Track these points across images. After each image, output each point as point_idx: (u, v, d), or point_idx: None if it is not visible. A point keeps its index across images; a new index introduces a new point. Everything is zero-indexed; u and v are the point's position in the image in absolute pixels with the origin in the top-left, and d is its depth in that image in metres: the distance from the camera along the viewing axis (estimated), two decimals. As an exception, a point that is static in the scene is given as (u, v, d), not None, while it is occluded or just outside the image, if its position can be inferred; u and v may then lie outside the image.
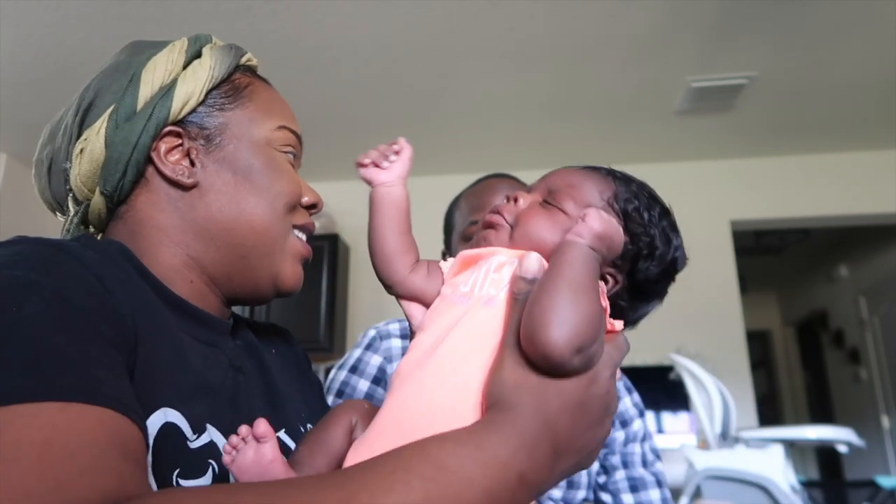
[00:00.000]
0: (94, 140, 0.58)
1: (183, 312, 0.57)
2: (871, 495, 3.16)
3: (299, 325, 3.30)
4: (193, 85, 0.59)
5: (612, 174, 0.62)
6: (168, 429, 0.46)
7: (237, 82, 0.63)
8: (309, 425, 0.67)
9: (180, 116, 0.59)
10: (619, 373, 1.16)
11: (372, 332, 1.08)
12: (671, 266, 0.63)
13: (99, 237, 0.63)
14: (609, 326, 0.51)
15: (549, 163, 3.78)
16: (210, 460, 0.49)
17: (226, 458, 0.47)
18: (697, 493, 2.45)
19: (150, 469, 0.44)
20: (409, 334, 1.07)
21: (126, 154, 0.58)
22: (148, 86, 0.59)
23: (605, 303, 0.51)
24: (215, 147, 0.60)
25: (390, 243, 0.57)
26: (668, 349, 3.35)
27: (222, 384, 0.56)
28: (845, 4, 2.41)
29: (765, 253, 5.53)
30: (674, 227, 0.64)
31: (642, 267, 0.59)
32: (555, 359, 0.43)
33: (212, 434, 0.51)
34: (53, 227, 0.63)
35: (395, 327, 1.09)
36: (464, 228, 1.08)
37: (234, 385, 0.58)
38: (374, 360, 1.03)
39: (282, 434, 0.61)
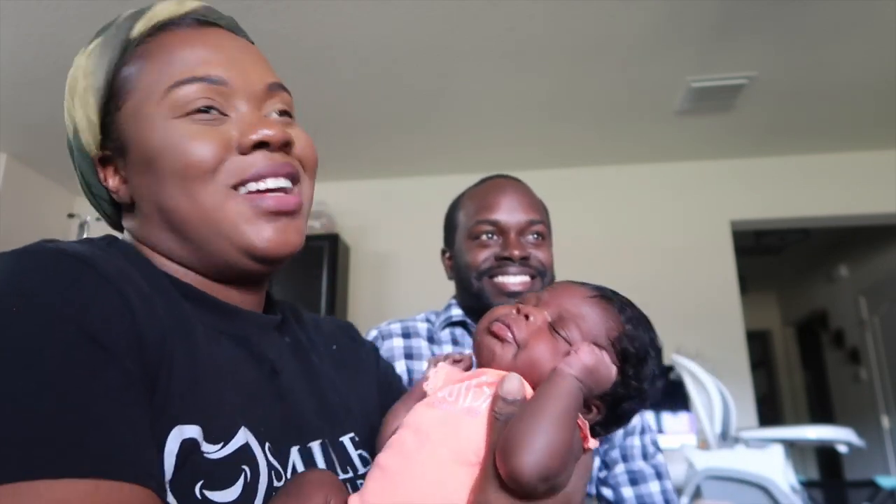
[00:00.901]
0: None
1: (214, 309, 0.55)
2: (871, 495, 3.16)
3: (299, 325, 3.30)
4: (83, 109, 0.57)
5: (624, 312, 0.61)
6: (188, 444, 0.44)
7: (127, 64, 0.56)
8: (351, 435, 0.63)
9: (97, 143, 0.57)
10: None
11: (374, 333, 1.09)
12: (647, 402, 0.64)
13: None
14: (584, 445, 0.53)
15: (549, 163, 3.79)
16: (243, 466, 0.47)
17: None
18: (697, 493, 2.45)
19: (168, 488, 0.43)
20: (410, 333, 1.07)
21: (88, 193, 0.61)
22: (69, 128, 0.59)
23: (585, 429, 0.53)
24: (126, 154, 0.56)
25: (392, 426, 0.62)
26: (668, 349, 3.35)
27: (254, 382, 0.54)
28: (845, 4, 2.41)
29: (765, 253, 5.53)
30: (662, 371, 0.65)
31: (626, 407, 0.61)
32: (522, 484, 0.45)
33: (245, 436, 0.49)
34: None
35: (396, 327, 1.09)
36: (471, 227, 1.09)
37: (269, 384, 0.55)
38: None
39: (314, 445, 0.58)
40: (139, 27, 0.57)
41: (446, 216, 1.20)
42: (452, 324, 1.12)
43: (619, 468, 1.06)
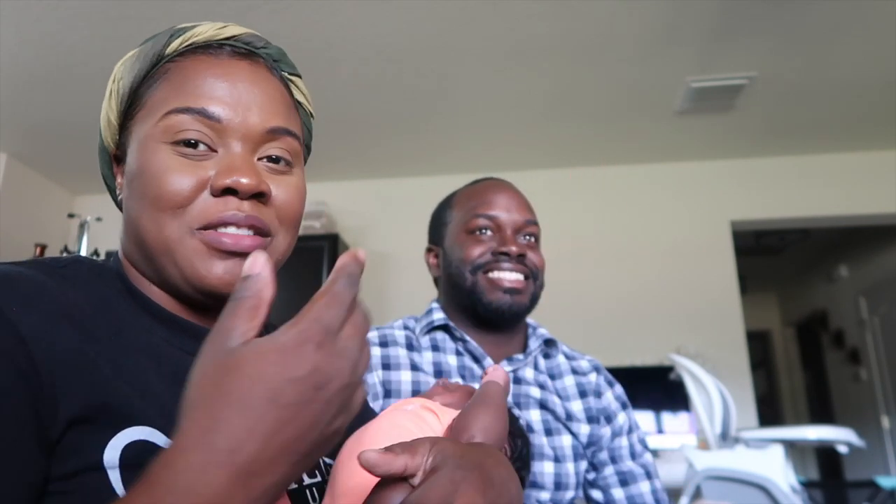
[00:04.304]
0: None
1: (175, 327, 0.57)
2: (871, 495, 3.16)
3: (299, 325, 3.30)
4: (105, 109, 0.59)
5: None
6: (137, 446, 0.46)
7: (152, 78, 0.58)
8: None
9: (113, 142, 0.60)
10: (599, 368, 1.17)
11: None
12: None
13: None
14: None
15: (549, 163, 3.78)
16: None
17: None
18: (697, 494, 2.45)
19: (123, 489, 0.44)
20: (387, 342, 1.05)
21: (106, 184, 0.64)
22: (102, 116, 0.61)
23: None
24: (125, 161, 0.59)
25: None
26: (668, 349, 3.35)
27: None
28: (845, 4, 2.41)
29: (765, 253, 5.53)
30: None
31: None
32: None
33: None
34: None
35: (373, 335, 1.07)
36: (467, 221, 1.08)
37: None
38: None
39: None
40: (175, 44, 0.58)
41: (434, 213, 1.19)
42: (434, 328, 1.09)
43: (609, 470, 1.05)
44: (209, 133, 0.55)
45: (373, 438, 0.61)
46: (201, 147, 0.54)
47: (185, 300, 0.58)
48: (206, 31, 0.58)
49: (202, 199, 0.54)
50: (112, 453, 0.45)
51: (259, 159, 0.57)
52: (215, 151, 0.55)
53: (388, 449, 0.43)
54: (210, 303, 0.56)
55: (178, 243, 0.54)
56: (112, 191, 0.64)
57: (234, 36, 0.59)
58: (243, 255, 0.54)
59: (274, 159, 0.58)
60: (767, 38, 2.63)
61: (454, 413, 0.67)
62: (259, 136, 0.56)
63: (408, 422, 0.63)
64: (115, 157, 0.61)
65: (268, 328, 0.71)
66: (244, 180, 0.53)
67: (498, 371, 0.71)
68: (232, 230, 0.54)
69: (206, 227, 0.54)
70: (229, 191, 0.54)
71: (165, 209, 0.53)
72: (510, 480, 0.49)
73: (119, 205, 0.63)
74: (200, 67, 0.56)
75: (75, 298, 0.50)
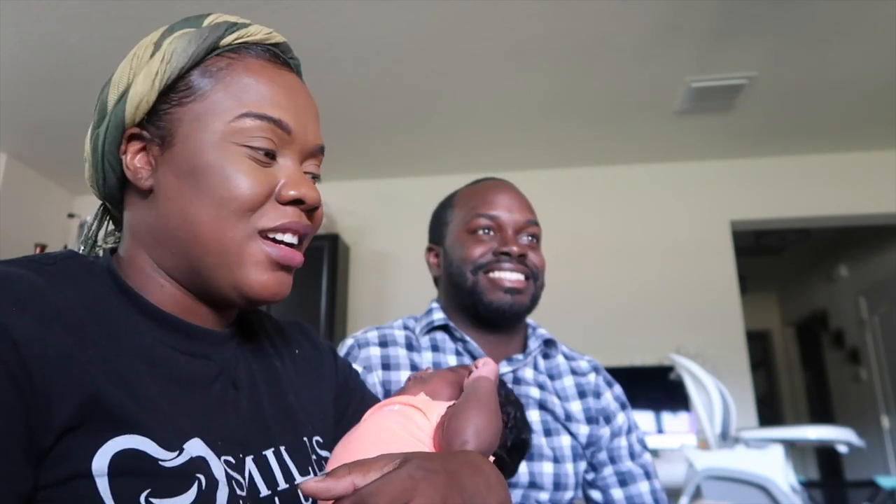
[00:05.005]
0: (85, 145, 0.61)
1: (168, 326, 0.56)
2: (871, 495, 3.16)
3: (299, 325, 3.30)
4: (144, 85, 0.56)
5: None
6: (126, 455, 0.45)
7: (207, 68, 0.57)
8: (317, 438, 0.65)
9: (138, 119, 0.57)
10: (598, 368, 1.17)
11: (350, 342, 1.07)
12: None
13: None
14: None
15: (549, 163, 3.78)
16: (197, 475, 0.49)
17: None
18: (697, 494, 2.45)
19: (111, 497, 0.44)
20: (387, 342, 1.06)
21: (98, 159, 0.59)
22: (115, 89, 0.58)
23: None
24: (168, 148, 0.56)
25: None
26: (668, 349, 3.35)
27: (210, 398, 0.55)
28: (845, 4, 2.41)
29: (765, 253, 5.53)
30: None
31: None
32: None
33: (200, 448, 0.50)
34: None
35: (373, 335, 1.07)
36: (469, 221, 1.08)
37: (225, 399, 0.57)
38: None
39: (269, 453, 0.59)
40: (230, 38, 0.59)
41: (435, 213, 1.19)
42: (433, 328, 1.09)
43: (608, 470, 1.05)
44: (277, 142, 0.57)
45: (359, 443, 0.60)
46: (269, 156, 0.57)
47: (207, 299, 0.58)
48: (257, 32, 0.60)
49: (269, 204, 0.57)
50: (101, 461, 0.44)
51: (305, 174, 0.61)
52: (275, 161, 0.58)
53: (332, 473, 0.45)
54: (240, 304, 0.58)
55: (241, 246, 0.56)
56: (107, 168, 0.59)
57: (278, 43, 0.62)
58: (289, 269, 0.59)
59: (314, 175, 0.62)
60: (767, 38, 2.63)
61: (441, 406, 0.65)
62: (311, 150, 0.61)
63: (393, 424, 0.62)
64: (131, 135, 0.58)
65: (262, 318, 0.71)
66: (311, 193, 0.58)
67: (488, 366, 0.70)
68: (288, 237, 0.58)
69: (268, 231, 0.57)
70: (294, 202, 0.58)
71: (236, 211, 0.55)
72: (488, 493, 0.47)
73: (106, 183, 0.60)
74: (264, 73, 0.58)
75: (67, 298, 0.49)
